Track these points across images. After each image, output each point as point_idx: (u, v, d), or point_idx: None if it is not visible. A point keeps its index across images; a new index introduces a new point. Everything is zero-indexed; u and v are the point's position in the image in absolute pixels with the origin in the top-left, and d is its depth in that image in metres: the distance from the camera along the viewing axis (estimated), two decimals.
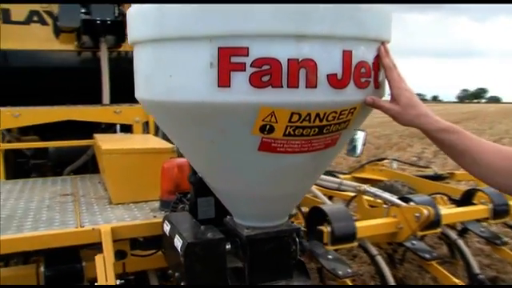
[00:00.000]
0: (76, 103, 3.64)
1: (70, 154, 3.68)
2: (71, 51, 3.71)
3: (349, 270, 2.52)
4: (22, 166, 4.31)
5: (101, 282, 1.84)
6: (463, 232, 3.23)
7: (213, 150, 1.36)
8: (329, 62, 1.20)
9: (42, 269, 2.08)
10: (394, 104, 1.32)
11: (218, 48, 1.16)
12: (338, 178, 3.86)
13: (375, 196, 3.11)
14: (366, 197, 3.24)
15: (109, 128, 3.80)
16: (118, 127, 3.60)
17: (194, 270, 1.52)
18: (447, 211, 3.00)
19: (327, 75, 1.20)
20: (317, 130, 1.29)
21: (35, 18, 3.58)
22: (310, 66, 1.18)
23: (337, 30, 1.20)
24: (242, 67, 1.16)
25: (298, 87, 1.18)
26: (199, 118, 1.27)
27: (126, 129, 3.56)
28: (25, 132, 4.35)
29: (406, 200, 2.88)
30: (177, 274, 1.61)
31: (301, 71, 1.17)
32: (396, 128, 17.20)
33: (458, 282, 2.72)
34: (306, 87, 1.19)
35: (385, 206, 2.93)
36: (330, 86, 1.21)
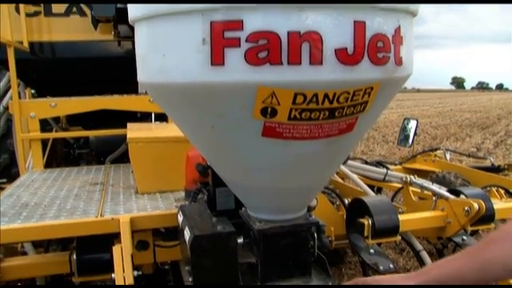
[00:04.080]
0: (116, 93, 3.66)
1: (109, 143, 3.72)
2: (109, 41, 3.71)
3: (390, 265, 2.46)
4: (69, 156, 4.44)
5: (117, 272, 1.81)
6: None
7: (214, 136, 1.25)
8: (337, 34, 1.04)
9: (74, 256, 2.09)
10: None
11: (211, 22, 1.04)
12: (386, 168, 3.72)
13: (422, 187, 2.99)
14: (414, 189, 3.08)
15: (146, 117, 3.80)
16: (153, 116, 3.58)
17: (201, 264, 1.42)
18: (502, 205, 2.79)
19: (335, 50, 1.05)
20: (327, 113, 1.14)
21: (74, 10, 3.61)
22: (314, 39, 1.03)
23: None
24: (236, 43, 1.04)
25: (300, 64, 1.04)
26: (195, 101, 1.16)
27: (162, 118, 3.53)
28: (74, 123, 4.47)
29: (456, 192, 2.74)
30: (187, 268, 1.53)
31: (303, 45, 1.03)
32: (455, 118, 16.40)
33: None
34: (310, 64, 1.04)
35: (434, 198, 2.77)
36: (339, 62, 1.06)
